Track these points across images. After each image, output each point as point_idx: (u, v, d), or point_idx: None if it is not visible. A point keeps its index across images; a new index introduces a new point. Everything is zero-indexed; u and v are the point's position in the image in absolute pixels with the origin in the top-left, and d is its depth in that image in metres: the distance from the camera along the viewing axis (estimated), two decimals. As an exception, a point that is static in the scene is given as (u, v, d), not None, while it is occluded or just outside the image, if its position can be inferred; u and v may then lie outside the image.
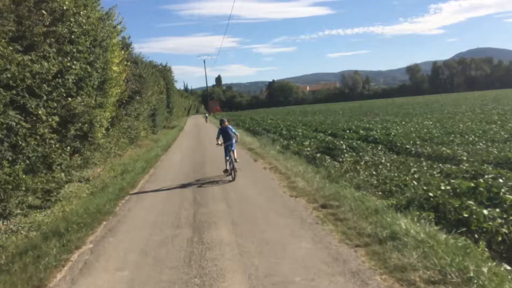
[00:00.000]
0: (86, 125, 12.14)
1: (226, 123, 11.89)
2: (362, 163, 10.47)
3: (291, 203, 7.27)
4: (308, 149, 14.00)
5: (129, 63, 24.66)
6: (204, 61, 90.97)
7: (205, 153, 16.61)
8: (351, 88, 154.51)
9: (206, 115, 64.11)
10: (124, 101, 19.36)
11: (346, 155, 11.72)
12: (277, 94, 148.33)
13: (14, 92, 8.14)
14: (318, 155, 12.14)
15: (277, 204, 7.34)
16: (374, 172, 9.15)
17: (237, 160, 11.27)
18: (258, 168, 11.51)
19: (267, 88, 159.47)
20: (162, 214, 7.13)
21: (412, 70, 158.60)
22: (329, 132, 19.24)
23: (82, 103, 11.09)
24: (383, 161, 10.30)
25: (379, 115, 33.54)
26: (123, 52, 14.59)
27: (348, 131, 18.66)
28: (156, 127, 34.85)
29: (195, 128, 40.80)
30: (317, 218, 6.22)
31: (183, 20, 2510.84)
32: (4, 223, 8.48)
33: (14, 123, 8.12)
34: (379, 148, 12.61)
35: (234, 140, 11.39)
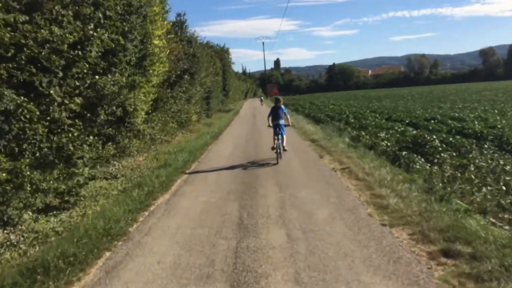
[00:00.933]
0: (121, 108, 10.25)
1: (281, 102, 11.62)
2: (472, 168, 7.57)
3: (387, 241, 4.59)
4: (386, 143, 11.21)
5: (182, 42, 23.03)
6: (263, 44, 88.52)
7: (260, 145, 14.29)
8: (416, 73, 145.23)
9: (262, 98, 64.04)
10: (172, 81, 17.49)
11: (443, 155, 8.83)
12: (337, 78, 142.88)
13: (11, 65, 6.25)
14: (404, 153, 9.33)
15: (364, 240, 4.66)
16: (500, 186, 6.28)
17: (286, 149, 11.10)
18: (325, 169, 8.94)
19: (327, 72, 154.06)
20: (188, 246, 4.82)
21: (486, 53, 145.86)
22: (407, 121, 16.13)
23: (112, 82, 9.14)
24: (508, 168, 7.31)
25: (456, 102, 29.36)
26: (166, 23, 12.49)
27: (432, 121, 15.43)
28: (210, 111, 33.16)
29: (250, 112, 38.70)
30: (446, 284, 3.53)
31: (243, 3, 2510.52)
32: (5, 232, 6.74)
33: (12, 106, 6.25)
34: (486, 146, 9.51)
35: (282, 121, 11.04)
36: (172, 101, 17.10)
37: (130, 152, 12.02)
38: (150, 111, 13.87)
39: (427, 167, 8.10)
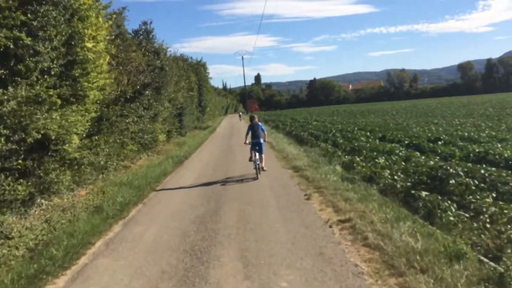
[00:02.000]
0: (35, 132, 7.44)
1: (256, 119, 11.61)
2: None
3: None
4: (392, 175, 8.64)
5: (147, 53, 20.34)
6: (242, 58, 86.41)
7: (231, 175, 11.55)
8: (396, 87, 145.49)
9: (240, 114, 64.06)
10: (128, 97, 14.71)
11: (476, 196, 6.29)
12: (318, 93, 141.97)
13: None
14: (424, 193, 6.71)
15: None
16: None
17: (265, 169, 11.10)
18: (316, 223, 6.07)
19: (308, 87, 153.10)
20: None
21: (464, 68, 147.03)
22: (407, 142, 13.67)
23: (9, 97, 6.38)
24: None
25: (446, 117, 27.37)
26: (104, 22, 9.71)
27: (439, 142, 12.97)
28: (184, 128, 30.36)
29: (228, 130, 36.03)
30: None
31: (224, 20, 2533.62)
32: None
33: None
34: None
35: (262, 140, 10.98)
36: (126, 120, 14.29)
37: (58, 188, 9.12)
38: (92, 133, 11.04)
39: (465, 218, 5.51)
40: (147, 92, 16.91)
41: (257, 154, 10.56)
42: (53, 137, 8.19)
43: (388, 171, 9.12)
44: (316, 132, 19.61)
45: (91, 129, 10.76)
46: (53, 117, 7.77)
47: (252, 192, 8.70)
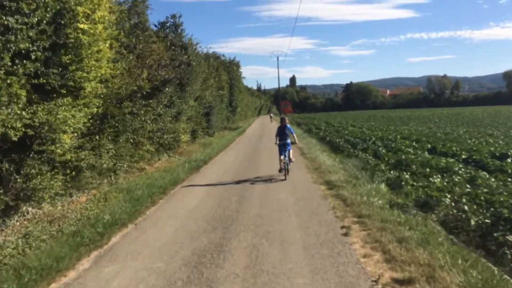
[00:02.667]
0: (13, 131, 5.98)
1: (286, 121, 12.02)
2: None
3: None
4: (456, 203, 6.61)
5: (174, 47, 18.97)
6: (278, 58, 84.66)
7: (250, 188, 9.79)
8: (437, 94, 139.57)
9: (271, 115, 63.53)
10: (145, 93, 13.25)
11: None
12: (354, 97, 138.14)
13: None
14: (514, 239, 4.73)
15: None
16: None
17: (293, 160, 11.68)
18: (358, 277, 4.28)
19: (344, 91, 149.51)
20: None
21: (510, 76, 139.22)
22: (464, 157, 11.47)
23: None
24: None
25: (498, 128, 24.56)
26: (108, 3, 8.11)
27: (507, 159, 10.65)
28: (211, 129, 28.92)
29: (258, 131, 34.37)
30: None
31: (261, 21, 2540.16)
32: None
33: None
34: None
35: (289, 140, 11.40)
36: (143, 118, 12.82)
37: (42, 196, 7.63)
38: (93, 132, 9.56)
39: None
40: (167, 88, 15.43)
41: (286, 153, 11.11)
42: (33, 135, 6.72)
43: (449, 196, 7.09)
44: (353, 139, 17.55)
45: (91, 127, 9.28)
46: (31, 112, 6.26)
47: (273, 218, 6.89)
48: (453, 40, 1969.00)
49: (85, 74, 7.52)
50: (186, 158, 17.69)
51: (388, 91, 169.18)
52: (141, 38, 14.14)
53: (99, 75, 8.12)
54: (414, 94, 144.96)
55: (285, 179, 10.54)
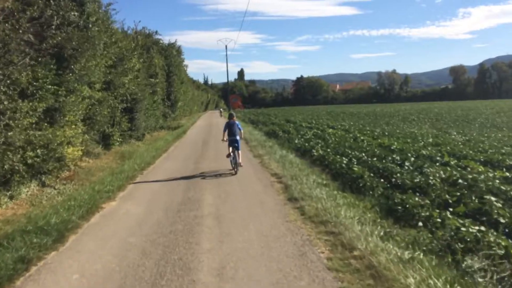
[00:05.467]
0: None
1: (234, 118, 11.97)
2: None
3: None
4: None
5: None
6: (226, 46, 76.94)
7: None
8: (386, 89, 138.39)
9: (221, 109, 56.20)
10: None
11: None
12: (305, 91, 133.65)
13: None
14: None
15: None
16: None
17: (242, 164, 11.28)
18: None
19: (294, 84, 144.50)
20: None
21: (456, 71, 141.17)
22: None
23: None
24: None
25: (472, 124, 18.81)
26: None
27: None
28: (138, 130, 20.99)
29: (204, 132, 26.70)
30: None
31: (207, 15, 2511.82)
32: None
33: None
34: None
35: (238, 137, 11.39)
36: None
37: None
38: None
39: None
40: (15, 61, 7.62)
41: (235, 152, 10.97)
42: None
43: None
44: (370, 157, 10.20)
45: None
46: None
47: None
48: (393, 37, 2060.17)
49: None
50: (76, 188, 10.11)
51: (338, 86, 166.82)
52: None
53: None
54: (365, 89, 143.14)
55: (235, 174, 10.45)
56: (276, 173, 9.82)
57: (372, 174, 8.45)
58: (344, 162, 9.59)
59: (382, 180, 7.97)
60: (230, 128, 11.39)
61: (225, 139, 11.38)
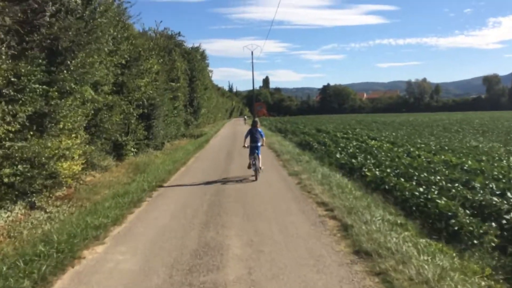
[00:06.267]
0: None
1: (258, 125, 11.99)
2: None
3: None
4: None
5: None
6: (252, 53, 75.05)
7: None
8: (416, 98, 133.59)
9: (245, 117, 54.91)
10: None
11: None
12: (331, 99, 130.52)
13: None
14: None
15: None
16: None
17: (262, 168, 11.38)
18: None
19: (320, 93, 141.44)
20: None
21: (490, 81, 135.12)
22: None
23: None
24: None
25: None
26: None
27: None
28: (156, 139, 19.01)
29: (228, 142, 24.49)
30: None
31: (234, 23, 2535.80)
32: None
33: None
34: None
35: (260, 143, 11.39)
36: None
37: None
38: None
39: None
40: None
41: (256, 160, 11.00)
42: None
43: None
44: (447, 182, 7.73)
45: None
46: None
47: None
48: (419, 47, 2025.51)
49: None
50: (72, 211, 8.13)
51: (365, 94, 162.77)
52: None
53: None
54: (393, 98, 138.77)
55: (255, 180, 10.68)
56: (324, 201, 7.41)
57: (467, 211, 5.93)
58: (419, 190, 7.07)
59: (488, 223, 5.46)
60: (252, 134, 11.46)
61: (246, 145, 11.55)
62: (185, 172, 12.94)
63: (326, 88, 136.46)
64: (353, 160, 11.20)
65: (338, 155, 12.55)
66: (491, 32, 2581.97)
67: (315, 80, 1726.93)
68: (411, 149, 13.79)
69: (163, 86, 19.48)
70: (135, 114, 15.65)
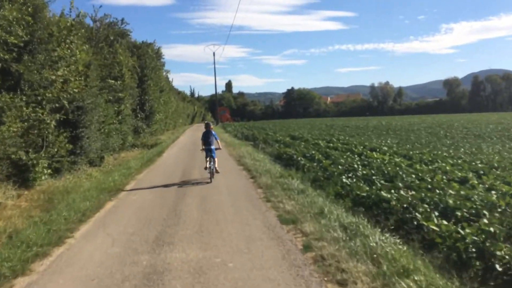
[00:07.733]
0: None
1: (211, 127, 12.08)
2: None
3: None
4: None
5: None
6: (214, 54, 70.39)
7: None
8: (380, 101, 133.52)
9: (209, 123, 48.77)
10: None
11: None
12: (296, 104, 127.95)
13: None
14: None
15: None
16: None
17: (219, 171, 11.49)
18: None
19: (285, 97, 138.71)
20: None
21: (451, 84, 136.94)
22: None
23: None
24: None
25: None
26: None
27: None
28: (84, 153, 14.24)
29: (187, 152, 19.93)
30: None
31: (194, 29, 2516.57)
32: None
33: None
34: None
35: (213, 146, 11.50)
36: None
37: None
38: None
39: None
40: None
41: (212, 159, 11.12)
42: None
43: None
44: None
45: None
46: None
47: None
48: (377, 52, 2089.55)
49: None
50: None
51: (329, 98, 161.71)
52: None
53: None
54: (357, 102, 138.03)
55: (210, 182, 10.63)
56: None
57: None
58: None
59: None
60: (206, 137, 11.57)
61: (202, 148, 11.65)
62: (112, 211, 8.36)
63: (290, 92, 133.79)
64: (380, 192, 6.86)
65: (344, 179, 8.29)
66: (444, 37, 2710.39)
67: (277, 85, 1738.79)
68: (447, 168, 9.72)
69: (96, 84, 14.79)
70: (49, 122, 11.01)
